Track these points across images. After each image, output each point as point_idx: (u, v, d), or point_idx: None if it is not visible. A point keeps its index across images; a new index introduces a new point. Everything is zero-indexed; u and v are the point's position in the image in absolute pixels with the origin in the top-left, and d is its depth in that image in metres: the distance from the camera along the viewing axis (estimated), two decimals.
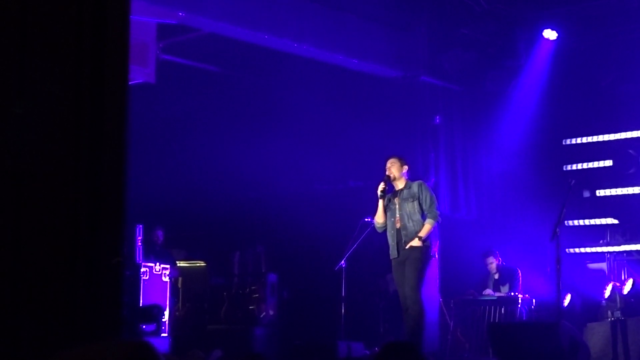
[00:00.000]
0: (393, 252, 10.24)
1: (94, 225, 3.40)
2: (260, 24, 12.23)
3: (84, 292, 3.39)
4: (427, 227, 10.15)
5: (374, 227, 11.11)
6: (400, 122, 13.96)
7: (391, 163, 10.38)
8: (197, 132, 14.51)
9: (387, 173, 10.35)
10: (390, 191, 10.41)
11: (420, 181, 10.55)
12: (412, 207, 10.21)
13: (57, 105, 3.50)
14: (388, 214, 10.33)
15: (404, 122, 14.03)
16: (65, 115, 3.51)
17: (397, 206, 10.28)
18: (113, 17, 3.69)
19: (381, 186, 10.30)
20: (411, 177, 10.56)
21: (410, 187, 10.34)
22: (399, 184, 10.36)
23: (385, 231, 10.40)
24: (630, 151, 13.63)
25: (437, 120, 14.50)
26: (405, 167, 10.42)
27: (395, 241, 10.21)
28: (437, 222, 10.32)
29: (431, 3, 13.75)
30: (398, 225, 10.22)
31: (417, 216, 10.19)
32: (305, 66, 13.33)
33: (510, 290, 12.94)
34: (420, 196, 10.25)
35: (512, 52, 14.14)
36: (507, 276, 13.20)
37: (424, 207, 10.21)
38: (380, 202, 10.33)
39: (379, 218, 10.39)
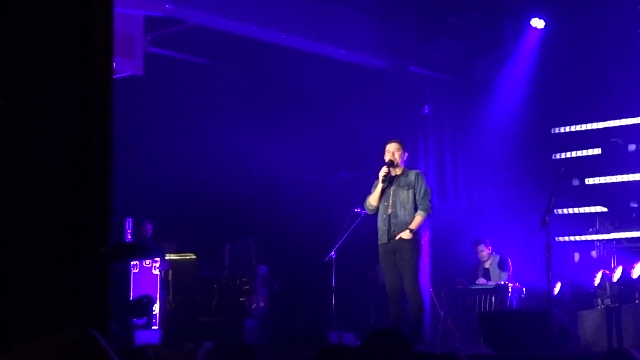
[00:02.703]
0: (383, 238, 10.16)
1: (80, 216, 3.40)
2: (247, 15, 12.21)
3: (71, 282, 3.38)
4: (418, 219, 10.09)
5: (363, 218, 11.10)
6: (389, 112, 13.95)
7: (395, 148, 10.17)
8: (185, 125, 14.49)
9: (390, 158, 10.15)
10: (387, 176, 10.25)
11: (418, 170, 10.47)
12: (406, 195, 10.12)
13: (41, 99, 3.49)
14: (382, 198, 10.20)
15: (393, 112, 14.03)
16: (50, 108, 3.50)
17: (391, 192, 10.19)
18: (97, 10, 3.67)
19: (384, 170, 10.10)
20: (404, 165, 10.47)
21: (407, 175, 10.23)
22: (397, 171, 10.21)
23: (374, 216, 10.31)
24: (616, 140, 13.65)
25: (426, 110, 14.51)
26: (406, 154, 10.33)
27: (387, 226, 10.13)
28: (429, 214, 10.27)
29: None
30: (390, 211, 10.13)
31: (410, 205, 10.11)
32: (294, 57, 13.32)
33: (502, 278, 12.97)
34: (416, 186, 10.15)
35: (500, 41, 14.14)
36: (498, 265, 13.22)
37: (417, 197, 10.14)
38: (380, 186, 10.20)
39: (374, 201, 10.21)
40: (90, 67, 3.64)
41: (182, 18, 12.21)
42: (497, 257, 13.29)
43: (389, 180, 10.19)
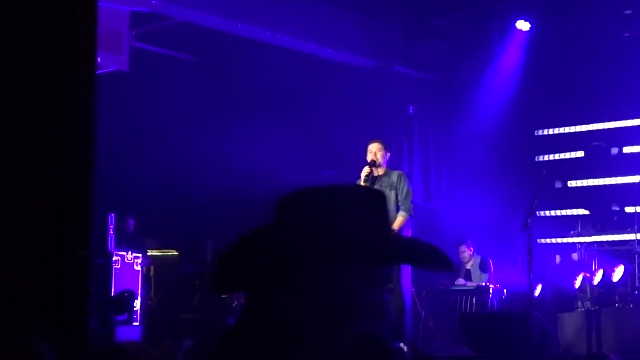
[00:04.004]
0: None
1: (60, 218, 3.39)
2: (233, 12, 12.20)
3: (51, 284, 3.37)
4: (400, 219, 10.09)
5: None
6: (373, 112, 13.97)
7: (377, 148, 10.16)
8: (170, 121, 14.45)
9: (372, 158, 10.14)
10: (369, 176, 10.24)
11: (400, 171, 10.46)
12: (388, 196, 10.13)
13: (23, 95, 3.48)
14: None
15: (378, 111, 14.05)
16: (31, 105, 3.49)
17: None
18: (81, 6, 3.66)
19: (366, 170, 10.09)
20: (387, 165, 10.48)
21: (389, 176, 10.22)
22: (379, 171, 10.20)
23: None
24: (599, 143, 13.71)
25: (411, 110, 14.53)
26: (388, 154, 10.31)
27: None
28: (410, 215, 10.26)
29: None
30: None
31: (392, 206, 10.09)
32: (280, 55, 13.31)
33: (483, 280, 13.00)
34: (398, 186, 10.14)
35: (486, 42, 14.16)
36: (479, 266, 13.26)
37: (399, 198, 10.14)
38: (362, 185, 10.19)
39: None
40: (73, 62, 3.63)
41: (168, 14, 12.20)
42: (479, 258, 13.32)
43: (371, 180, 10.17)
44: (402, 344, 9.75)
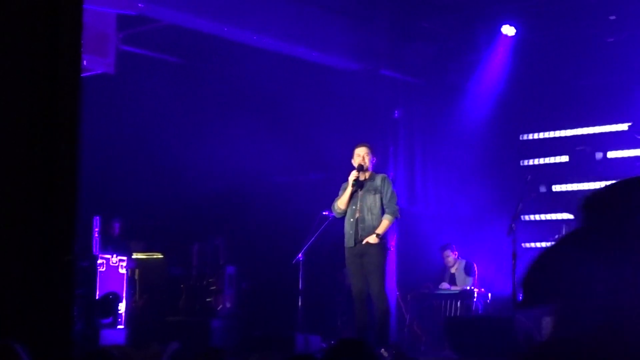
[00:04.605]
0: (350, 242, 10.19)
1: (46, 221, 3.38)
2: (220, 15, 12.20)
3: (36, 288, 3.37)
4: (385, 223, 10.12)
5: (332, 221, 11.11)
6: (360, 115, 13.98)
7: (365, 152, 10.19)
8: (156, 124, 14.44)
9: (360, 162, 10.17)
10: (357, 180, 10.26)
11: (384, 175, 10.48)
12: (372, 200, 10.15)
13: (8, 98, 3.47)
14: (350, 201, 10.22)
15: (364, 115, 14.05)
16: (16, 108, 3.48)
17: (359, 196, 10.20)
18: (67, 8, 3.66)
19: (354, 174, 10.14)
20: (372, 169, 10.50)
21: (374, 179, 10.25)
22: (365, 175, 10.25)
23: (342, 219, 10.34)
24: (583, 148, 13.76)
25: (397, 114, 14.54)
26: (374, 158, 10.34)
27: (354, 230, 10.16)
28: (396, 218, 10.29)
29: None
30: (357, 215, 10.16)
31: (377, 210, 10.14)
32: (266, 58, 13.31)
33: (468, 284, 13.03)
34: (383, 190, 10.17)
35: (472, 47, 14.19)
36: (464, 270, 13.29)
37: (384, 202, 10.17)
38: (349, 190, 10.21)
39: (342, 204, 10.22)
40: (59, 64, 3.62)
41: (154, 17, 12.19)
42: (463, 262, 13.35)
43: (359, 184, 10.21)
44: (383, 350, 9.76)
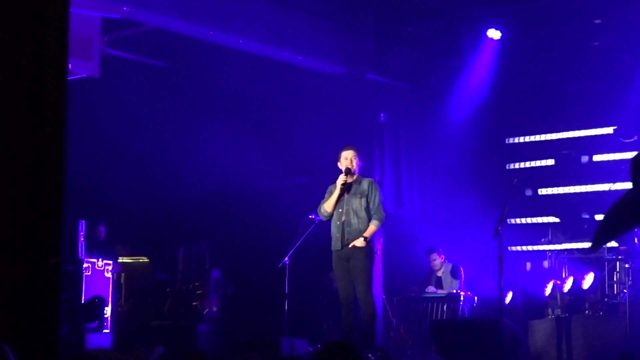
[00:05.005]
0: (336, 245, 10.18)
1: (31, 225, 3.36)
2: (205, 19, 12.18)
3: (22, 291, 3.34)
4: (372, 227, 10.12)
5: (317, 224, 11.10)
6: (345, 119, 13.98)
7: (352, 155, 10.19)
8: (141, 127, 14.40)
9: (347, 165, 10.17)
10: (344, 184, 10.26)
11: (371, 179, 10.47)
12: (359, 203, 10.14)
13: None
14: (336, 205, 10.21)
15: (349, 119, 14.06)
16: (1, 111, 3.46)
17: (345, 200, 10.20)
18: (53, 12, 3.64)
19: (342, 178, 10.14)
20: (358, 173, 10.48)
21: (360, 183, 10.25)
22: (352, 178, 10.27)
23: (328, 222, 10.32)
24: (568, 152, 13.80)
25: (382, 118, 14.55)
26: (360, 162, 10.34)
27: (340, 233, 10.15)
28: (383, 222, 10.29)
29: (377, 0, 13.78)
30: (343, 219, 10.15)
31: (363, 213, 10.13)
32: (251, 62, 13.30)
33: (454, 287, 13.03)
34: (370, 195, 10.17)
35: (457, 51, 14.21)
36: (450, 273, 13.29)
37: (371, 206, 10.15)
38: (337, 193, 10.20)
39: (329, 208, 10.20)
40: (44, 68, 3.60)
41: (139, 20, 12.16)
42: (450, 266, 13.36)
43: (346, 187, 10.20)
44: (370, 354, 9.76)
